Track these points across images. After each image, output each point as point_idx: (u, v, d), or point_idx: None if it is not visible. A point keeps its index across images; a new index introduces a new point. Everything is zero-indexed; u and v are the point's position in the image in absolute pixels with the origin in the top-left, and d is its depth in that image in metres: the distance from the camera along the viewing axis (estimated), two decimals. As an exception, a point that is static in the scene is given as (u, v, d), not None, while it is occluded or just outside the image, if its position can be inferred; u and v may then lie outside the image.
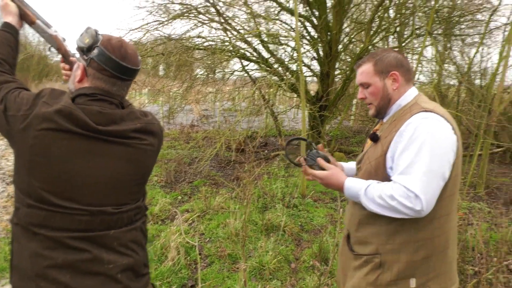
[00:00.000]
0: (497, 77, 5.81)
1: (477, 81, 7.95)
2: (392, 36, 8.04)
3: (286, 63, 7.71)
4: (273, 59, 7.72)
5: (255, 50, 7.52)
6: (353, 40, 8.41)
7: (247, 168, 5.19)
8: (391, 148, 1.39)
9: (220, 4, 7.25)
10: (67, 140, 1.15)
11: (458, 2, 7.27)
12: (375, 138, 1.49)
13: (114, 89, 1.27)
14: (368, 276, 1.45)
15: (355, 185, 1.43)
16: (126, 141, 1.24)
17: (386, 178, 1.41)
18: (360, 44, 8.64)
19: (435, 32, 7.41)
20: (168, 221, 4.39)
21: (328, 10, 7.19)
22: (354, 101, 10.44)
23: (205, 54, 7.97)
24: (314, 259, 3.42)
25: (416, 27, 7.23)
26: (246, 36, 7.19)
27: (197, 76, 8.79)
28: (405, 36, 8.13)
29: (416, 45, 8.76)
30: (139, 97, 14.25)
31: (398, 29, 7.55)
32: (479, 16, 7.25)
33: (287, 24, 8.14)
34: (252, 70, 8.26)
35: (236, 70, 8.47)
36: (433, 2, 6.16)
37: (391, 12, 7.54)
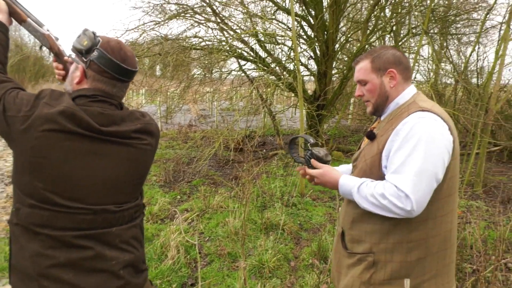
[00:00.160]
0: (493, 76, 5.86)
1: (474, 80, 8.00)
2: (388, 35, 8.08)
3: (283, 62, 7.73)
4: (270, 59, 7.74)
5: (252, 49, 7.54)
6: (350, 39, 8.45)
7: (245, 167, 5.20)
8: (386, 147, 1.38)
9: (216, 4, 7.27)
10: (70, 141, 1.16)
11: (454, 1, 7.32)
12: (371, 136, 1.48)
13: (114, 90, 1.29)
14: (362, 275, 1.45)
15: (349, 183, 1.43)
16: (127, 141, 1.27)
17: (381, 176, 1.40)
18: (357, 43, 8.68)
19: (431, 31, 7.45)
20: (167, 220, 4.40)
21: (324, 9, 7.22)
22: (352, 100, 10.49)
23: (202, 54, 7.97)
24: (313, 258, 3.44)
25: (413, 26, 7.27)
26: (242, 35, 7.21)
27: (195, 76, 8.79)
28: (402, 35, 8.17)
29: (412, 44, 8.80)
30: (137, 97, 14.24)
31: (394, 28, 7.59)
32: (475, 15, 7.32)
33: (283, 23, 8.17)
34: (250, 69, 8.29)
35: (233, 70, 8.48)
36: (429, 1, 6.19)
37: (388, 11, 7.58)
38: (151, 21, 7.38)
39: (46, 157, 1.14)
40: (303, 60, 8.20)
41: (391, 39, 8.23)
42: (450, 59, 8.28)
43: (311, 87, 10.47)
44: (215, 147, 6.48)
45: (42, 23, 1.46)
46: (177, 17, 7.36)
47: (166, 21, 7.37)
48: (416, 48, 7.42)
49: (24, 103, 1.16)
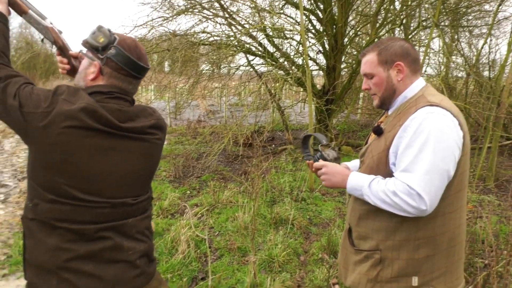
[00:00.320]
0: (506, 69, 5.76)
1: (486, 73, 7.89)
2: (398, 29, 7.97)
3: (291, 57, 7.70)
4: (279, 53, 7.71)
5: (260, 44, 7.52)
6: (359, 33, 8.37)
7: (255, 163, 5.21)
8: (394, 144, 1.35)
9: (224, -2, 7.25)
10: (91, 137, 1.18)
11: (466, -8, 7.18)
12: (378, 132, 1.45)
13: (130, 87, 1.32)
14: (368, 272, 1.44)
15: (359, 179, 1.39)
16: (143, 137, 1.31)
17: (388, 173, 1.38)
18: (366, 37, 8.60)
19: (442, 23, 7.34)
20: (177, 215, 4.43)
21: (333, 3, 7.15)
22: (361, 95, 10.40)
23: (210, 49, 7.98)
24: (323, 252, 3.44)
25: (423, 19, 7.17)
26: (251, 30, 7.18)
27: (203, 71, 8.81)
28: (412, 28, 8.07)
29: (422, 37, 8.69)
30: (146, 93, 14.32)
31: (404, 21, 7.48)
32: (486, 7, 7.18)
33: (292, 17, 8.11)
34: (258, 64, 8.27)
35: (241, 65, 8.47)
36: (440, -7, 6.09)
37: (397, 4, 7.49)
38: (159, 17, 7.40)
39: (67, 153, 1.16)
40: (311, 54, 8.15)
41: (401, 32, 8.13)
42: (461, 52, 8.16)
43: (320, 81, 10.41)
44: (224, 143, 6.50)
45: (44, 16, 1.43)
46: (185, 13, 7.37)
47: (174, 16, 7.38)
48: (426, 41, 7.33)
49: (42, 99, 1.16)
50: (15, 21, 25.94)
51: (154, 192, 5.29)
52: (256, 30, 7.28)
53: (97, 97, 1.23)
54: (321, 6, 7.34)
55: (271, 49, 7.66)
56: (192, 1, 7.38)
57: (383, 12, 7.20)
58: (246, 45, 7.52)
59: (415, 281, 1.37)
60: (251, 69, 8.31)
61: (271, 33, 7.56)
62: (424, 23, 7.23)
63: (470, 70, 7.24)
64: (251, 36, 7.45)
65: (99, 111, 1.18)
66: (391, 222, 1.38)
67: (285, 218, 4.11)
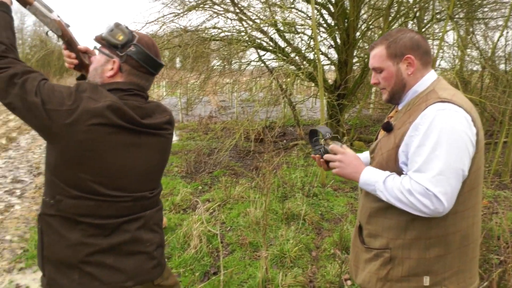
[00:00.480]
0: (522, 61, 5.62)
1: (502, 66, 7.71)
2: (411, 22, 7.85)
3: (303, 52, 7.65)
4: (290, 48, 7.66)
5: (271, 39, 7.48)
6: (371, 26, 8.26)
7: (266, 158, 5.21)
8: (404, 142, 1.30)
9: (235, -7, 7.22)
10: (115, 134, 1.21)
11: (481, -16, 7.02)
12: (388, 128, 1.40)
13: (147, 84, 1.35)
14: (378, 271, 1.41)
15: (374, 174, 1.35)
16: (160, 132, 1.36)
17: (398, 172, 1.34)
18: (378, 31, 8.48)
19: (457, 16, 7.20)
20: (189, 210, 4.47)
21: (345, -3, 7.07)
22: (373, 89, 10.29)
23: (221, 45, 7.97)
24: (335, 248, 3.43)
25: (437, 11, 7.03)
26: (262, 25, 7.15)
27: (214, 67, 8.81)
28: (425, 21, 7.93)
29: (436, 30, 8.54)
30: (158, 89, 14.40)
31: (417, 14, 7.36)
32: (503, -2, 7.00)
33: (303, 12, 8.05)
34: (269, 60, 8.23)
35: (252, 61, 8.45)
36: (454, -15, 5.97)
37: (411, -3, 7.35)
38: (170, 13, 7.42)
39: (93, 150, 1.18)
40: (323, 49, 8.09)
41: (414, 25, 7.99)
42: (477, 45, 7.99)
43: (331, 76, 10.33)
44: (236, 138, 6.51)
45: (51, 9, 1.39)
46: (196, 8, 7.37)
47: (185, 12, 7.39)
48: (440, 34, 7.20)
49: (66, 96, 1.16)
50: (30, 20, 26.33)
51: (167, 188, 5.33)
52: (267, 25, 7.25)
53: (117, 94, 1.25)
54: (333, 0, 7.27)
55: (282, 44, 7.62)
56: (203, -3, 7.37)
57: (395, 5, 7.09)
58: (257, 40, 7.50)
59: (426, 280, 1.34)
60: (262, 65, 8.29)
61: (282, 28, 7.52)
62: (438, 16, 7.09)
63: (486, 63, 7.10)
64: (262, 31, 7.42)
65: (123, 108, 1.21)
66: (402, 221, 1.35)
67: (297, 213, 4.10)
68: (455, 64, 8.56)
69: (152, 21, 7.27)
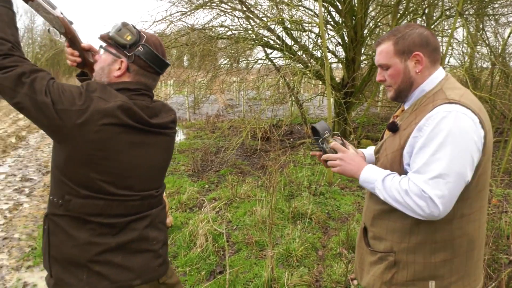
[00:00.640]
0: (534, 58, 5.53)
1: (512, 63, 7.59)
2: (420, 19, 7.75)
3: (310, 49, 7.60)
4: (297, 46, 7.62)
5: (278, 37, 7.46)
6: (379, 24, 8.18)
7: (272, 156, 5.19)
8: (409, 143, 1.27)
9: (242, -8, 7.21)
10: (125, 133, 1.22)
11: (492, -21, 6.91)
12: (393, 129, 1.36)
13: (154, 84, 1.36)
14: (383, 275, 1.38)
15: (374, 172, 1.33)
16: (166, 132, 1.37)
17: (402, 173, 1.31)
18: (386, 28, 8.40)
19: (467, 12, 7.09)
20: (196, 209, 4.47)
21: (353, -6, 7.01)
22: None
23: (228, 43, 7.96)
24: (341, 247, 3.41)
25: (446, 8, 6.94)
26: (269, 23, 7.12)
27: (221, 65, 8.81)
28: (435, 17, 7.83)
29: (446, 27, 8.42)
30: (165, 87, 14.46)
31: (426, 10, 7.26)
32: (514, -6, 6.88)
33: (310, 9, 7.99)
34: (276, 58, 8.20)
35: (260, 59, 8.43)
36: (464, -19, 5.89)
37: (419, -7, 7.26)
38: (178, 12, 7.43)
39: (104, 149, 1.18)
40: (330, 47, 8.03)
41: (423, 22, 7.90)
42: (487, 42, 7.88)
43: (339, 74, 10.27)
44: (242, 137, 6.50)
45: (54, 5, 1.36)
46: (203, 7, 7.36)
47: (193, 11, 7.39)
48: (449, 31, 7.11)
49: (76, 96, 1.16)
50: (40, 19, 26.62)
51: (173, 186, 5.35)
52: (274, 23, 7.21)
53: (125, 93, 1.25)
54: (340, -3, 7.21)
55: (289, 42, 7.59)
56: (210, -5, 7.37)
57: (404, 2, 7.01)
58: (264, 38, 7.47)
59: (432, 285, 1.31)
60: (269, 63, 8.27)
61: (289, 26, 7.48)
62: (447, 12, 7.00)
63: (496, 60, 6.99)
64: (269, 29, 7.40)
65: (133, 108, 1.22)
66: (406, 224, 1.32)
67: (303, 212, 4.09)
68: (464, 61, 8.45)
69: (160, 20, 7.29)
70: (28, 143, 8.93)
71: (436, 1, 7.02)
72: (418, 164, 1.22)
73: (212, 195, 4.93)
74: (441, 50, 1.41)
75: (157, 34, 7.54)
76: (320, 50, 7.37)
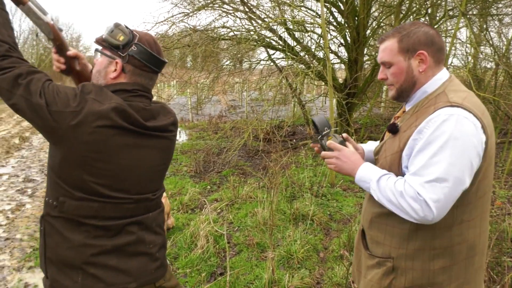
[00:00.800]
0: (538, 58, 5.48)
1: (516, 63, 7.53)
2: (423, 19, 7.72)
3: (312, 50, 7.58)
4: (299, 47, 7.61)
5: (280, 38, 7.44)
6: (382, 24, 8.15)
7: (273, 157, 5.18)
8: (408, 146, 1.24)
9: (245, -8, 7.20)
10: (120, 135, 1.20)
11: (495, -21, 6.87)
12: (393, 130, 1.33)
13: (150, 83, 1.34)
14: (381, 281, 1.36)
15: (370, 171, 1.30)
16: (164, 134, 1.35)
17: (400, 176, 1.28)
18: (389, 29, 8.36)
19: (470, 12, 7.05)
20: (197, 210, 4.47)
21: (355, -6, 6.98)
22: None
23: (230, 44, 7.96)
24: (343, 249, 3.39)
25: (449, 8, 6.90)
26: (271, 24, 7.11)
27: (223, 66, 8.81)
28: (438, 18, 7.79)
29: (449, 27, 8.38)
30: (168, 88, 14.48)
31: (429, 11, 7.24)
32: (518, -6, 6.83)
33: (312, 10, 7.98)
34: (278, 59, 8.19)
35: (262, 60, 8.42)
36: (467, -19, 5.85)
37: (422, -7, 7.22)
38: (180, 13, 7.44)
39: (98, 152, 1.17)
40: (333, 47, 8.00)
41: (425, 22, 7.87)
42: (490, 42, 7.83)
43: (341, 75, 10.24)
44: (244, 138, 6.50)
45: (46, 11, 1.36)
46: (205, 8, 7.37)
47: (195, 12, 7.40)
48: (453, 31, 7.07)
49: (70, 98, 1.15)
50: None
51: (175, 187, 5.34)
52: (276, 23, 7.20)
53: (122, 95, 1.24)
54: (343, -2, 7.19)
55: (291, 42, 7.57)
56: (212, -4, 7.37)
57: (407, 2, 6.99)
58: (266, 39, 7.46)
59: None
60: (272, 64, 8.26)
61: (291, 27, 7.47)
62: (450, 13, 6.96)
63: (500, 60, 6.94)
64: (271, 30, 7.39)
65: (128, 110, 1.20)
66: (404, 229, 1.29)
67: (305, 213, 4.07)
68: (468, 61, 8.40)
69: (162, 21, 7.31)
70: (31, 144, 8.96)
71: (439, 1, 6.99)
72: (416, 167, 1.19)
73: (214, 196, 4.92)
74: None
75: (159, 36, 7.57)
76: (322, 51, 7.35)
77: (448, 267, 1.27)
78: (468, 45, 8.24)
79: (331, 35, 7.78)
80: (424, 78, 1.30)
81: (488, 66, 8.64)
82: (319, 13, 7.30)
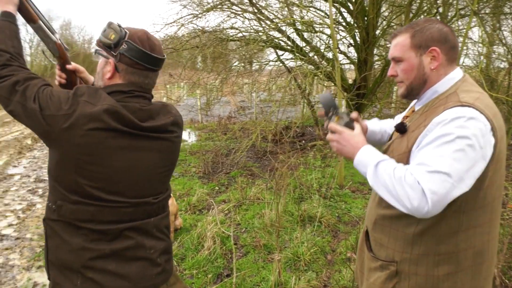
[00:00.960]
0: (552, 57, 5.36)
1: (531, 63, 7.37)
2: (433, 18, 7.62)
3: (322, 51, 7.55)
4: (308, 48, 7.58)
5: (288, 38, 7.42)
6: (392, 24, 8.07)
7: (281, 159, 5.16)
8: (416, 144, 1.21)
9: (253, -7, 7.20)
10: (113, 138, 1.18)
11: (508, -23, 6.74)
12: (401, 130, 1.29)
13: (146, 81, 1.30)
14: (384, 285, 1.33)
15: (369, 155, 1.22)
16: (162, 135, 1.31)
17: None
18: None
19: (482, 11, 6.93)
20: (205, 211, 4.47)
21: (364, -6, 6.93)
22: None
23: (239, 45, 7.96)
24: (351, 251, 3.35)
25: (460, 7, 6.80)
26: (279, 25, 7.10)
27: (232, 67, 8.82)
28: (449, 17, 7.68)
29: (461, 27, 8.25)
30: (178, 89, 14.55)
31: (440, 10, 7.13)
32: (532, -8, 6.70)
33: (321, 10, 7.95)
34: (287, 59, 8.17)
35: (271, 61, 8.40)
36: (479, -21, 5.76)
37: (433, -8, 7.13)
38: (189, 14, 7.48)
39: (91, 154, 1.16)
40: (342, 48, 7.96)
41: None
42: (504, 41, 7.68)
43: (351, 75, 10.16)
44: (252, 139, 6.49)
45: (54, 30, 1.45)
46: (214, 9, 7.39)
47: (204, 13, 7.43)
48: (464, 30, 6.96)
49: (63, 101, 1.15)
50: (56, 23, 27.15)
51: (184, 188, 5.36)
52: (285, 24, 7.18)
53: (118, 96, 1.22)
54: (352, -2, 7.14)
55: (300, 43, 7.54)
56: (221, -2, 7.39)
57: (417, 1, 6.90)
58: (275, 40, 7.45)
59: None
60: (281, 65, 8.24)
61: (300, 27, 7.44)
62: (462, 12, 6.85)
63: (513, 60, 6.80)
64: (280, 31, 7.37)
65: (121, 112, 1.18)
66: (409, 234, 1.26)
67: (313, 215, 4.04)
68: (480, 61, 8.26)
69: (171, 23, 7.36)
70: (43, 145, 9.08)
71: (450, 0, 6.89)
72: (420, 159, 1.14)
73: (222, 197, 4.92)
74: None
75: (168, 37, 7.61)
76: (332, 52, 7.31)
77: (453, 273, 1.23)
78: (480, 45, 8.10)
79: (340, 35, 7.74)
80: (435, 77, 1.26)
81: (502, 65, 8.48)
82: (328, 13, 7.26)
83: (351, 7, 7.20)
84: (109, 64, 1.26)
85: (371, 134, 1.57)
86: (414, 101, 1.41)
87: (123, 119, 1.18)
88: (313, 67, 7.20)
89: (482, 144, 1.11)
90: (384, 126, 1.65)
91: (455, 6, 6.74)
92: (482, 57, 8.07)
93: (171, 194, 3.94)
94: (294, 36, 7.53)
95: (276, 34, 7.51)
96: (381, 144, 1.62)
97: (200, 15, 7.40)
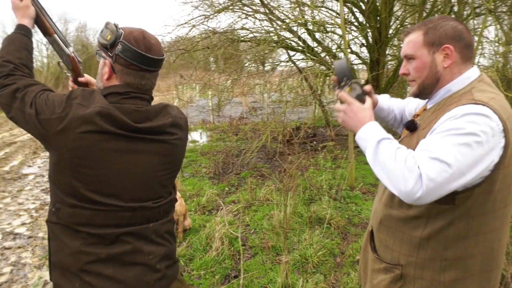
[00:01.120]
0: None
1: (549, 62, 7.19)
2: (449, 17, 7.49)
3: (333, 51, 7.49)
4: (320, 48, 7.53)
5: (299, 38, 7.39)
6: (405, 23, 7.96)
7: (291, 159, 5.13)
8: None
9: (265, -6, 7.19)
10: (107, 140, 1.16)
11: (526, -26, 6.58)
12: (411, 128, 1.26)
13: (143, 82, 1.27)
14: None
15: (373, 131, 1.17)
16: (160, 137, 1.27)
17: None
18: (413, 28, 8.16)
19: (499, 10, 6.78)
20: (214, 211, 4.47)
21: (376, -7, 6.86)
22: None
23: (250, 46, 7.96)
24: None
25: (476, 5, 6.66)
26: (291, 25, 7.07)
27: (243, 68, 8.82)
28: (464, 16, 7.54)
29: (476, 26, 8.09)
30: (191, 90, 14.63)
31: (455, 9, 7.01)
32: (551, -11, 6.52)
33: (333, 10, 7.89)
34: (299, 60, 8.14)
35: (282, 61, 8.39)
36: (495, -23, 5.63)
37: (448, -9, 7.01)
38: (200, 15, 7.51)
39: (85, 157, 1.15)
40: (354, 48, 7.90)
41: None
42: (521, 40, 7.50)
43: (364, 76, 10.07)
44: (262, 140, 6.48)
45: (68, 44, 1.51)
46: (225, 10, 7.40)
47: (215, 14, 7.45)
48: (479, 29, 6.82)
49: (56, 105, 1.16)
50: (72, 25, 27.62)
51: (194, 189, 5.37)
52: (296, 24, 7.15)
53: (114, 98, 1.21)
54: (364, -3, 7.08)
55: (312, 43, 7.50)
56: (232, -1, 7.40)
57: (431, 0, 6.80)
58: (286, 40, 7.42)
59: None
60: (292, 65, 8.21)
61: (311, 27, 7.40)
62: (477, 10, 6.72)
63: (531, 59, 6.64)
64: (291, 31, 7.34)
65: (113, 113, 1.16)
66: (415, 237, 1.22)
67: (322, 217, 4.00)
68: (496, 60, 8.08)
69: (182, 24, 7.40)
70: (57, 145, 9.23)
71: (465, -1, 6.76)
72: (425, 145, 1.09)
73: (231, 198, 4.92)
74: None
75: (179, 38, 7.66)
76: (343, 52, 7.25)
77: (460, 280, 1.19)
78: (496, 44, 7.93)
79: (352, 35, 7.67)
80: (449, 75, 1.22)
81: (519, 65, 8.28)
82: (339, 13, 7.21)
83: (363, 7, 7.14)
84: (106, 65, 1.25)
85: (378, 110, 1.55)
86: (426, 100, 1.37)
87: (116, 121, 1.17)
88: (324, 68, 7.15)
89: (490, 144, 1.07)
90: (392, 105, 1.63)
91: (470, 5, 6.62)
92: (498, 56, 7.90)
93: (179, 195, 3.93)
94: (305, 36, 7.50)
95: (287, 34, 7.49)
96: (384, 122, 1.61)
97: (211, 16, 7.43)
